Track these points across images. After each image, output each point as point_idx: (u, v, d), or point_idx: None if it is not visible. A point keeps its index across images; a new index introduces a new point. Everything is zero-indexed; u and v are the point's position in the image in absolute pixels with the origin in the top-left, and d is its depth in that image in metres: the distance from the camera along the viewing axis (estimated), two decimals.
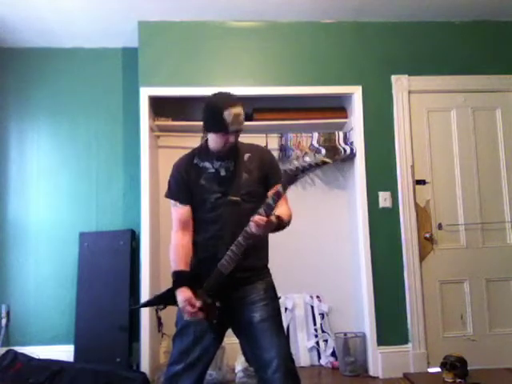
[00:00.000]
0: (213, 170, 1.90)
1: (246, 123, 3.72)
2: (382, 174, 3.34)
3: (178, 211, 1.92)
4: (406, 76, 3.41)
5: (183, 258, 1.86)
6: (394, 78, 3.42)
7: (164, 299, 1.90)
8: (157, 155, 3.57)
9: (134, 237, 3.40)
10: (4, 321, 3.41)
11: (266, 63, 3.41)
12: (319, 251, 3.58)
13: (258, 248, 1.85)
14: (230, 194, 1.85)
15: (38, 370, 2.93)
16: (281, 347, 1.77)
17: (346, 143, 3.47)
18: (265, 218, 1.65)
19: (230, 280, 1.77)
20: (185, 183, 1.92)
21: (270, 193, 1.70)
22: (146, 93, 3.32)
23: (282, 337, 1.83)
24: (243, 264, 1.77)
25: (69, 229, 3.49)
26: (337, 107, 3.63)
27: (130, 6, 3.18)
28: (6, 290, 3.47)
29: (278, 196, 1.65)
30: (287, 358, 1.78)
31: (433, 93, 3.45)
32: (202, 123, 1.91)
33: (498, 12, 3.41)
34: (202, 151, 1.96)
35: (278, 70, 3.41)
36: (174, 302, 1.85)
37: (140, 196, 3.25)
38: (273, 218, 1.70)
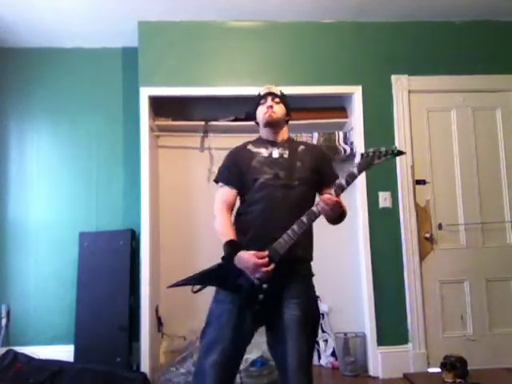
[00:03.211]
0: (266, 155, 1.95)
1: (246, 123, 3.76)
2: (382, 174, 3.33)
3: (224, 193, 1.96)
4: (406, 76, 3.41)
5: (232, 230, 1.86)
6: (393, 77, 3.42)
7: (210, 276, 1.82)
8: (157, 155, 3.57)
9: (134, 237, 3.40)
10: (4, 321, 3.41)
11: (266, 63, 3.41)
12: (319, 251, 3.52)
13: (304, 239, 1.85)
14: (282, 177, 1.87)
15: (38, 370, 2.93)
16: (300, 349, 1.75)
17: (345, 143, 3.47)
18: (334, 198, 1.71)
19: (277, 268, 1.74)
20: (236, 166, 1.96)
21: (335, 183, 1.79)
22: (146, 93, 3.32)
23: (305, 338, 1.78)
24: (289, 253, 1.75)
25: (69, 229, 3.49)
26: (337, 107, 3.62)
27: (130, 6, 3.19)
28: (6, 290, 3.47)
29: (353, 178, 1.72)
30: (303, 362, 1.76)
31: (433, 93, 3.45)
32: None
33: (498, 12, 3.41)
34: (257, 140, 2.06)
35: (277, 70, 3.41)
36: (217, 283, 1.82)
37: (140, 196, 3.25)
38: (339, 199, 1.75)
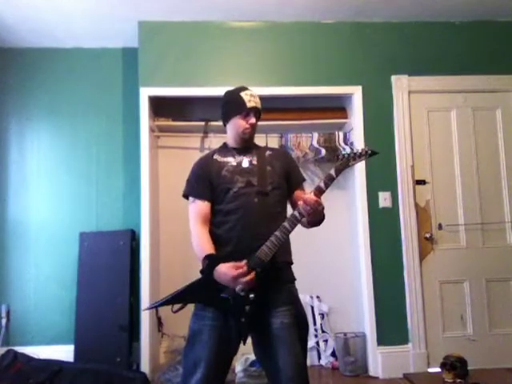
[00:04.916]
0: (234, 163, 1.89)
1: None
2: (382, 174, 3.34)
3: (197, 207, 1.87)
4: (406, 76, 3.41)
5: (210, 243, 1.79)
6: (393, 78, 3.42)
7: (192, 293, 1.73)
8: (157, 155, 3.57)
9: (134, 237, 3.40)
10: (4, 321, 3.41)
11: (266, 63, 3.41)
12: (319, 251, 3.58)
13: (284, 244, 1.77)
14: (254, 184, 1.82)
15: (37, 370, 2.93)
16: (296, 356, 1.70)
17: (345, 143, 3.47)
18: (314, 197, 1.65)
19: (262, 276, 1.69)
20: (206, 177, 1.88)
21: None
22: (145, 93, 3.32)
23: (299, 346, 1.73)
24: (273, 260, 1.70)
25: (69, 229, 3.49)
26: (337, 107, 3.62)
27: (130, 6, 3.19)
28: (6, 290, 3.47)
29: (331, 180, 1.68)
30: (301, 369, 1.71)
31: (433, 93, 3.45)
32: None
33: (498, 12, 3.41)
34: (222, 149, 1.99)
35: (277, 70, 3.41)
36: (200, 299, 1.76)
37: (140, 196, 3.25)
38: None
